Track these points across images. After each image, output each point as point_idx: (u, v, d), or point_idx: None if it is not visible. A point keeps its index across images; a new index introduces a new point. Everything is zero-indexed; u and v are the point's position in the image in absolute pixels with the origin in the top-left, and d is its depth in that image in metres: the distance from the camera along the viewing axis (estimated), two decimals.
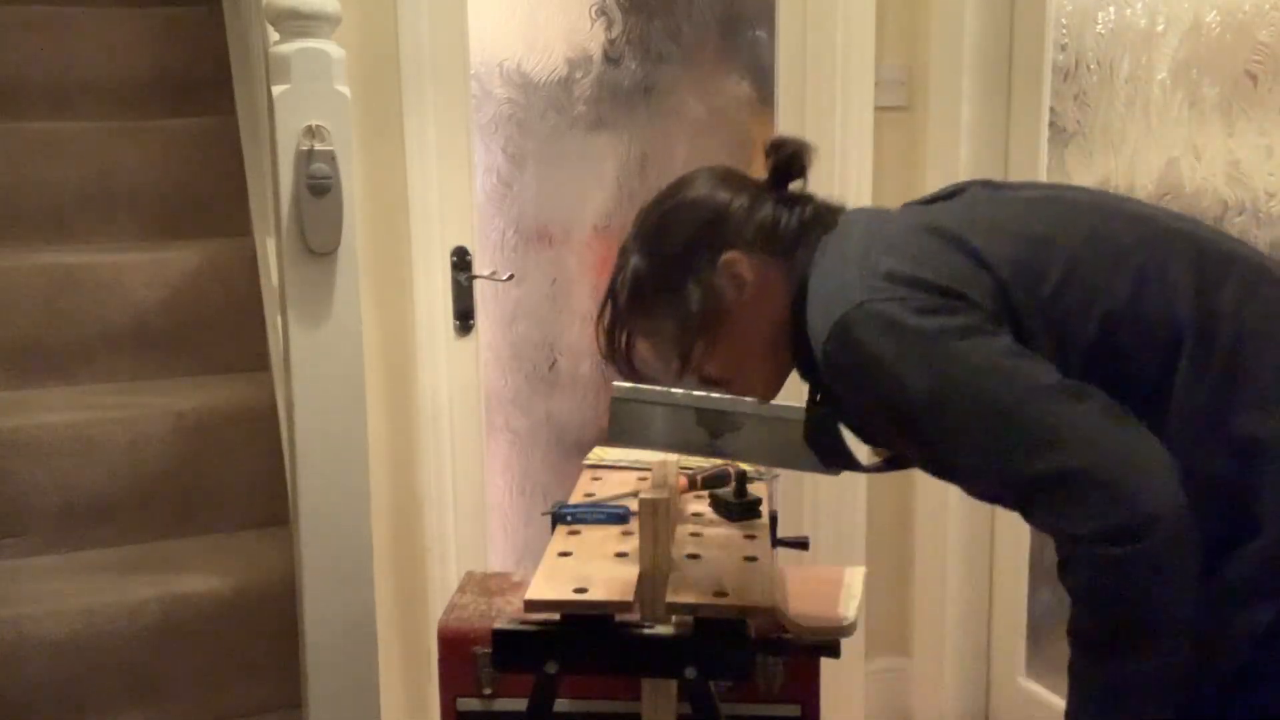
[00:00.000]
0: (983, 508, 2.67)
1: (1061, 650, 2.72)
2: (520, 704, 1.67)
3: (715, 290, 1.31)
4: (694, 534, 1.65)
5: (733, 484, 1.75)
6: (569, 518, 1.64)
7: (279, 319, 1.92)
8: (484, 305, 2.52)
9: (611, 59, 2.56)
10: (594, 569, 1.50)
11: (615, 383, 1.67)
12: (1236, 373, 1.10)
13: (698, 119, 2.63)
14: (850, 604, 1.61)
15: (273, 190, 1.77)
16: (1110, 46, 2.25)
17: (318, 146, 1.65)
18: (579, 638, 1.44)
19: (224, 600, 1.96)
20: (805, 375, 1.34)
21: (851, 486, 2.68)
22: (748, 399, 1.53)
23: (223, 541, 2.15)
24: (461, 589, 1.95)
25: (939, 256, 1.17)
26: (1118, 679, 1.08)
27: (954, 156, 2.54)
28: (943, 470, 1.21)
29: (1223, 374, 1.10)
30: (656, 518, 1.44)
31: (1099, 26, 2.27)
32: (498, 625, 1.46)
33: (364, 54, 2.29)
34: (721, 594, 1.42)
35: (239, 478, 2.18)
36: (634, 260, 1.38)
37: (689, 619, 1.43)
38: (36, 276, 2.28)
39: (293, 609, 1.96)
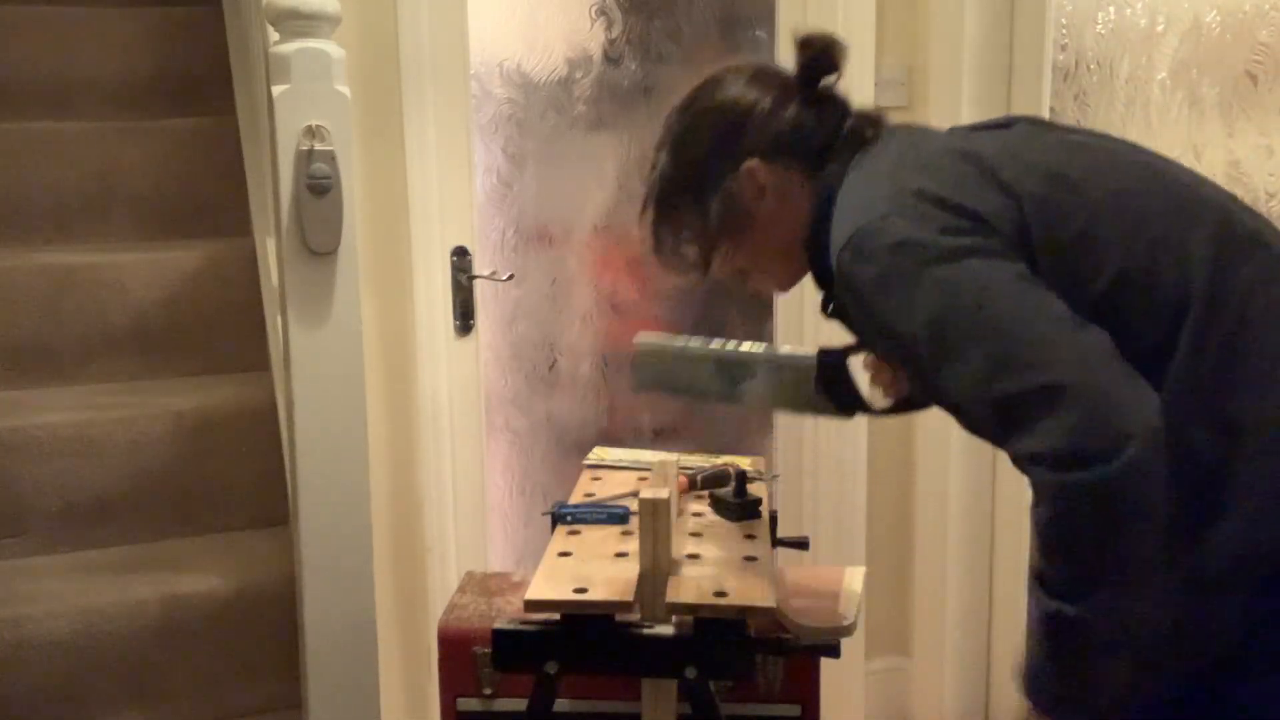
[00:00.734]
0: (983, 508, 2.67)
1: None
2: (520, 704, 1.67)
3: (736, 197, 1.34)
4: (694, 534, 1.65)
5: (732, 484, 1.74)
6: (569, 518, 1.64)
7: (279, 319, 1.92)
8: (484, 305, 2.52)
9: (611, 59, 2.56)
10: (594, 569, 1.50)
11: (639, 336, 1.69)
12: (1237, 353, 1.10)
13: None
14: (850, 604, 1.61)
15: (273, 190, 1.77)
16: (1110, 46, 2.25)
17: (318, 146, 1.65)
18: (579, 638, 1.44)
19: (224, 600, 1.96)
20: (820, 284, 1.36)
21: (851, 487, 2.68)
22: (762, 348, 1.59)
23: (223, 541, 2.15)
24: (461, 589, 1.95)
25: (968, 182, 1.16)
26: (1079, 626, 1.05)
27: None
28: (936, 394, 1.21)
29: (1223, 352, 1.10)
30: (656, 518, 1.44)
31: (1099, 26, 2.27)
32: (498, 625, 1.46)
33: (364, 54, 2.29)
34: (721, 594, 1.42)
35: (239, 478, 2.18)
36: (662, 162, 1.41)
37: (689, 619, 1.43)
38: (37, 276, 2.28)
39: (293, 609, 1.96)
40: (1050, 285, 1.12)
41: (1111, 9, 2.23)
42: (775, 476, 2.70)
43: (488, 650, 1.75)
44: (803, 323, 2.64)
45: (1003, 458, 2.75)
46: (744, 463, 1.93)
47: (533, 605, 1.41)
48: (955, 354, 1.11)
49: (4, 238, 2.49)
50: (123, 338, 2.33)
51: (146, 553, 2.09)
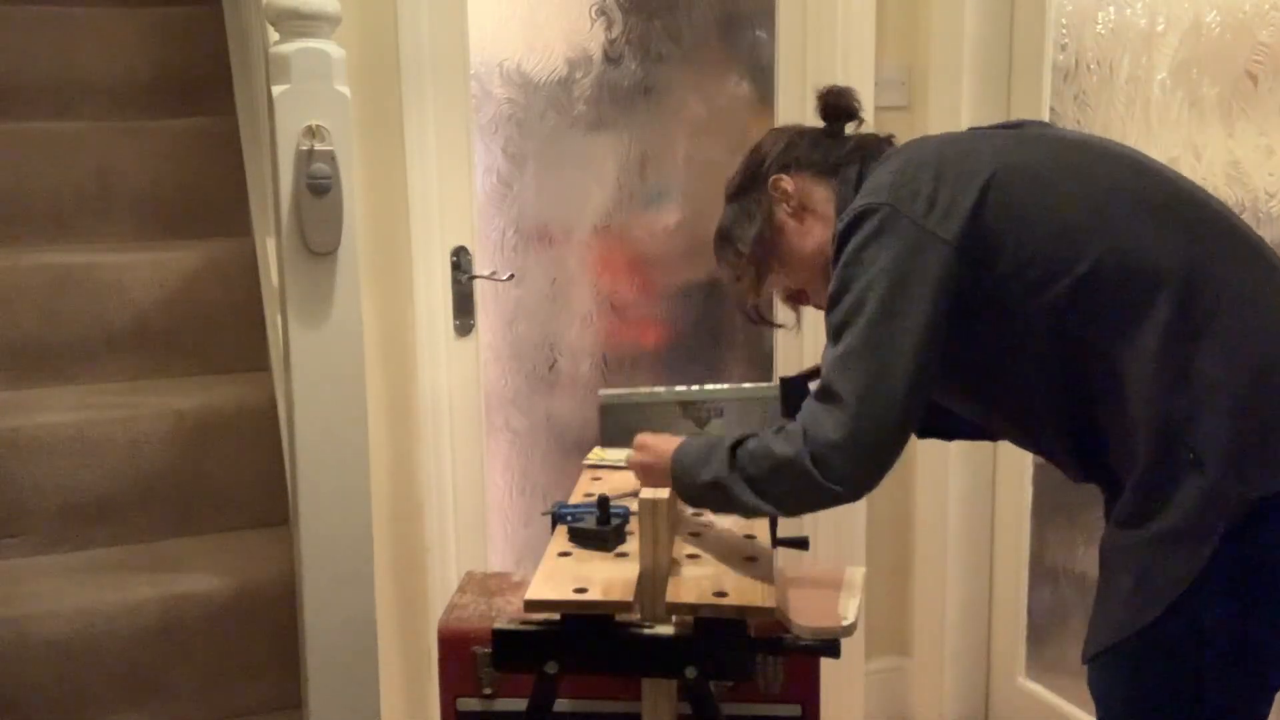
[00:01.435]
0: (983, 508, 2.67)
1: (1061, 651, 2.73)
2: (520, 704, 1.67)
3: (768, 210, 1.53)
4: (694, 534, 1.65)
5: (595, 514, 1.68)
6: (569, 518, 1.64)
7: (279, 319, 1.92)
8: (484, 305, 2.52)
9: (611, 59, 2.56)
10: (594, 569, 1.50)
11: (601, 390, 1.81)
12: (1211, 325, 1.21)
13: (698, 119, 2.63)
14: (850, 604, 1.61)
15: (273, 190, 1.77)
16: (1110, 46, 2.25)
17: (318, 146, 1.65)
18: (579, 638, 1.44)
19: (224, 600, 1.96)
20: None
21: None
22: (724, 386, 1.77)
23: (223, 541, 2.15)
24: (461, 589, 1.95)
25: (955, 183, 1.32)
26: (729, 496, 1.42)
27: None
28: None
29: (1197, 324, 1.22)
30: (656, 518, 1.44)
31: (1099, 26, 2.27)
32: (498, 625, 1.46)
33: (364, 54, 2.29)
34: (721, 594, 1.42)
35: (239, 477, 2.18)
36: (722, 214, 1.61)
37: (689, 619, 1.43)
38: (36, 276, 2.28)
39: (293, 609, 1.96)
40: (1027, 269, 1.28)
41: (1111, 9, 2.23)
42: None
43: (488, 650, 1.75)
44: (802, 319, 2.63)
45: (1003, 458, 2.76)
46: None
47: (533, 605, 1.41)
48: (838, 315, 1.35)
49: (4, 238, 2.49)
50: (123, 338, 2.33)
51: (146, 553, 2.09)
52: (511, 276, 2.54)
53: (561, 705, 1.75)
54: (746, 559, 1.55)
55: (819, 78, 2.57)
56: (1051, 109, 2.43)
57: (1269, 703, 1.25)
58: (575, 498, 1.79)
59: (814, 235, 1.51)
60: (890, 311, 1.30)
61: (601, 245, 2.61)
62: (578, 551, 1.57)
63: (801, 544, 1.89)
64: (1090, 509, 2.38)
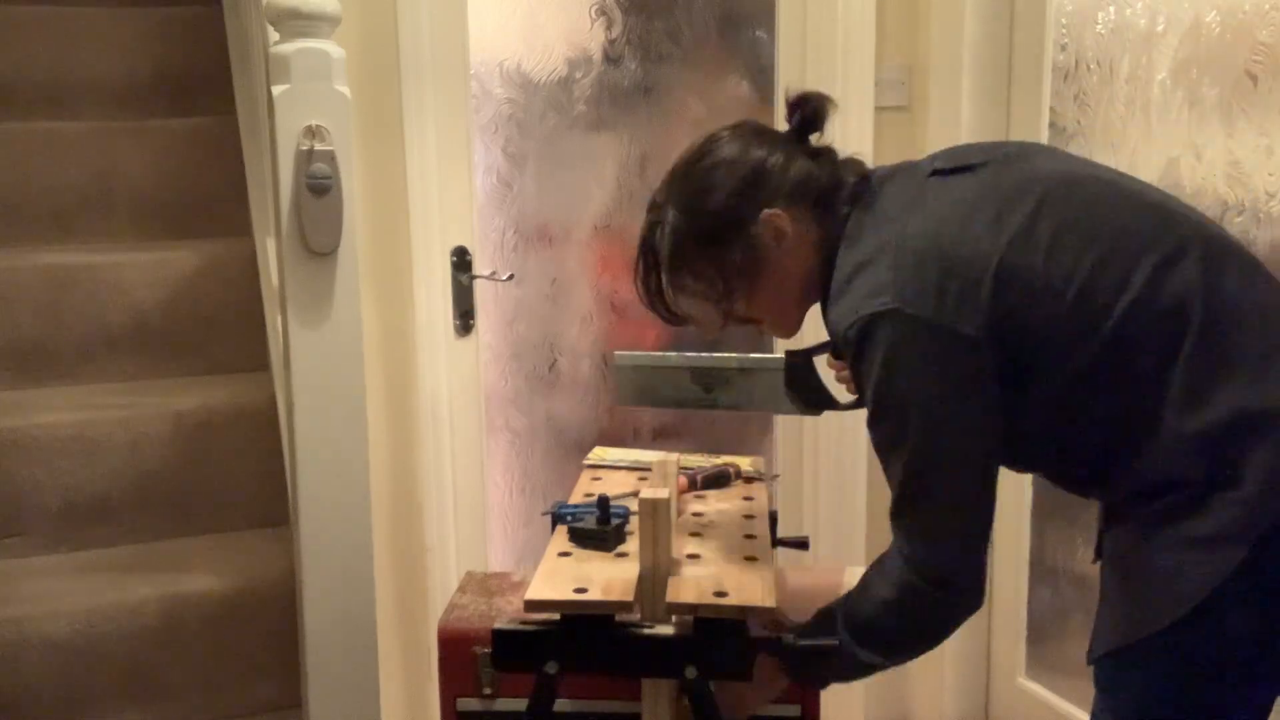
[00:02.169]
0: None
1: (1061, 651, 2.72)
2: (520, 704, 1.67)
3: (756, 243, 1.41)
4: (694, 534, 1.65)
5: (595, 513, 1.65)
6: (569, 518, 1.64)
7: (279, 319, 1.92)
8: (484, 305, 2.52)
9: (611, 59, 2.56)
10: (594, 569, 1.50)
11: (617, 351, 1.81)
12: (1232, 353, 1.23)
13: (698, 119, 2.62)
14: None
15: (273, 190, 1.77)
16: (1110, 46, 2.25)
17: (318, 146, 1.65)
18: (579, 638, 1.44)
19: (224, 600, 1.96)
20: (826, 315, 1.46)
21: (851, 487, 2.68)
22: (733, 355, 1.74)
23: (223, 541, 2.15)
24: (461, 589, 1.95)
25: (963, 275, 1.27)
26: (860, 660, 1.40)
27: None
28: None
29: (1220, 354, 1.22)
30: (656, 518, 1.44)
31: (1099, 26, 2.27)
32: (498, 625, 1.45)
33: (364, 54, 2.30)
34: (721, 594, 1.42)
35: (239, 478, 2.18)
36: (673, 217, 1.45)
37: (689, 619, 1.43)
38: (37, 276, 2.28)
39: (293, 609, 1.96)
40: (1053, 340, 1.27)
41: (1111, 9, 2.23)
42: (775, 476, 2.70)
43: (488, 650, 1.75)
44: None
45: None
46: (744, 462, 1.94)
47: (533, 605, 1.41)
48: (884, 439, 1.34)
49: (4, 238, 2.49)
50: (123, 338, 2.33)
51: (146, 553, 2.09)
52: (511, 276, 2.54)
53: (561, 705, 1.75)
54: (746, 559, 1.55)
55: (819, 78, 2.57)
56: (1051, 109, 2.43)
57: None
58: (575, 498, 1.79)
59: (796, 273, 1.44)
60: (940, 421, 1.29)
61: (601, 245, 2.61)
62: (578, 551, 1.57)
63: (801, 544, 1.89)
64: (1090, 509, 2.38)
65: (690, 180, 1.46)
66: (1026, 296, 1.26)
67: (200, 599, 1.95)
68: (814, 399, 1.65)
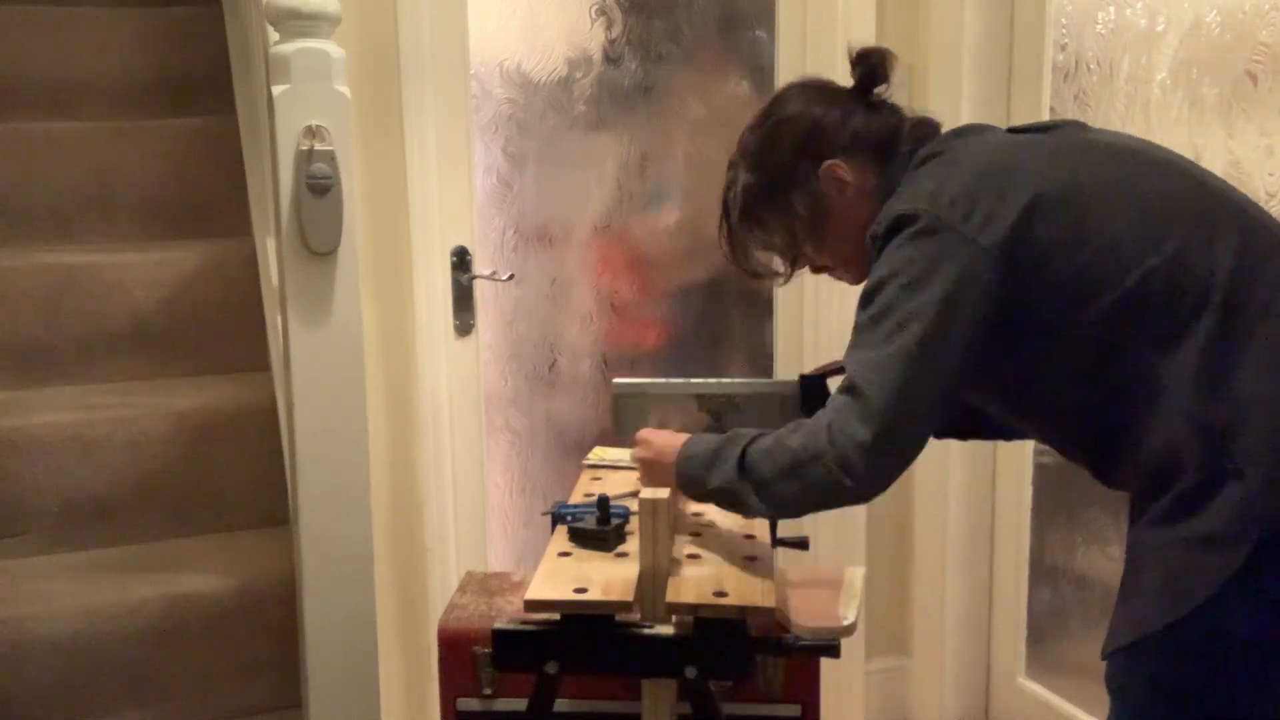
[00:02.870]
0: (983, 508, 2.67)
1: (1061, 651, 2.72)
2: (520, 704, 1.67)
3: (819, 194, 1.49)
4: (694, 534, 1.65)
5: (595, 514, 1.67)
6: (569, 518, 1.64)
7: (279, 319, 1.92)
8: (484, 305, 2.52)
9: (611, 59, 2.56)
10: (594, 569, 1.50)
11: (615, 379, 1.76)
12: (1253, 336, 1.22)
13: (698, 119, 2.62)
14: (850, 604, 1.62)
15: (273, 190, 1.77)
16: (1110, 46, 2.25)
17: (318, 146, 1.65)
18: (579, 638, 1.44)
19: (224, 600, 1.96)
20: None
21: None
22: (741, 379, 1.74)
23: (223, 541, 2.15)
24: (461, 589, 1.95)
25: (997, 196, 1.30)
26: (738, 501, 1.43)
27: None
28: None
29: (1239, 335, 1.22)
30: (656, 518, 1.44)
31: (1099, 26, 2.27)
32: (498, 625, 1.46)
33: (364, 54, 2.29)
34: (721, 594, 1.42)
35: (239, 478, 2.18)
36: (742, 177, 1.53)
37: (689, 619, 1.43)
38: (37, 276, 2.28)
39: (293, 609, 1.96)
40: (1071, 282, 1.28)
41: (1111, 9, 2.23)
42: None
43: (488, 650, 1.75)
44: (802, 318, 2.64)
45: (1003, 458, 2.76)
46: None
47: (533, 605, 1.41)
48: (866, 321, 1.35)
49: (4, 238, 2.49)
50: (123, 338, 2.33)
51: (146, 553, 2.09)
52: (511, 276, 2.54)
53: (561, 705, 1.75)
54: (746, 559, 1.55)
55: None
56: (1052, 109, 2.43)
57: None
58: (575, 498, 1.79)
59: (860, 220, 1.46)
60: (925, 318, 1.29)
61: (601, 245, 2.61)
62: (578, 551, 1.57)
63: (801, 544, 1.89)
64: (1090, 509, 2.38)
65: (755, 139, 1.53)
66: (1053, 229, 1.28)
67: (200, 599, 1.94)
68: None
